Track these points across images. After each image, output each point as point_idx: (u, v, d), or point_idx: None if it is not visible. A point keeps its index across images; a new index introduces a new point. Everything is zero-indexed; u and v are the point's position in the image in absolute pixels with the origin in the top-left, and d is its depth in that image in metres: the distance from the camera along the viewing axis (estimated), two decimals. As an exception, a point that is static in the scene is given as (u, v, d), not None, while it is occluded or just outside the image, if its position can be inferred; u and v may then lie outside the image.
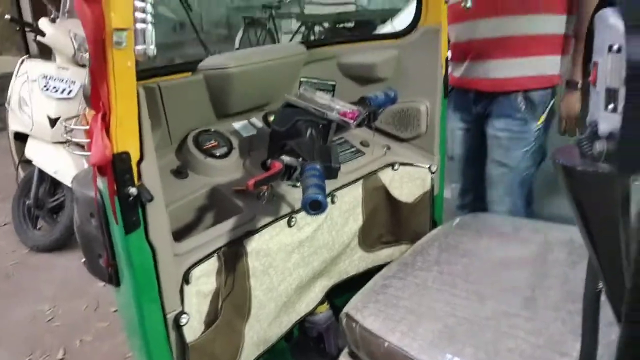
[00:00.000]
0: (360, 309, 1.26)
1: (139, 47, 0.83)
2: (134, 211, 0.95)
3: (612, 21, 0.54)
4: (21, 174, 3.32)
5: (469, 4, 1.57)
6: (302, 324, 1.64)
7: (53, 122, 2.95)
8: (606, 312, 0.65)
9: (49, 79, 2.98)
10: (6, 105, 3.16)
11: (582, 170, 0.58)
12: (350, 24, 7.51)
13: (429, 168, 1.75)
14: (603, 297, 0.66)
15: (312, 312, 1.54)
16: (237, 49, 6.87)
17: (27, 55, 3.16)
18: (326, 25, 7.61)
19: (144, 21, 0.82)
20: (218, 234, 1.23)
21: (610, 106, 0.56)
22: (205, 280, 1.18)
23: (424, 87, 1.70)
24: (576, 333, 0.76)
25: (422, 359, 1.08)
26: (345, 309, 1.29)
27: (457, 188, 2.29)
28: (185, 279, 1.13)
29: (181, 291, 1.12)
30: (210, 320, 1.20)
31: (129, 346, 1.53)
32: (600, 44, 0.57)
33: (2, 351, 2.39)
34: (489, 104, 1.96)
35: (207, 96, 1.43)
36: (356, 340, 1.24)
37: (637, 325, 0.53)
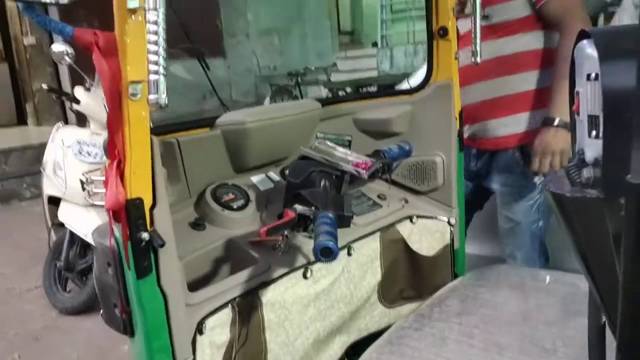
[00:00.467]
0: (376, 361, 1.23)
1: (152, 97, 0.88)
2: (146, 256, 0.97)
3: (588, 51, 0.57)
4: (53, 237, 3.42)
5: (478, 60, 1.61)
6: None
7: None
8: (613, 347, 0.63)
9: (83, 144, 3.12)
10: (42, 170, 3.30)
11: (571, 197, 0.58)
12: (373, 88, 7.72)
13: (448, 221, 1.74)
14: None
15: None
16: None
17: (61, 122, 3.33)
18: (349, 90, 7.83)
19: (156, 72, 0.88)
20: (233, 284, 1.23)
21: (593, 133, 0.57)
22: (220, 331, 1.18)
23: (438, 141, 1.73)
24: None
25: None
26: None
27: None
28: (199, 329, 1.13)
29: (194, 341, 1.12)
30: None
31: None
32: (581, 74, 0.59)
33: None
34: (489, 161, 1.99)
35: (225, 151, 1.48)
36: None
37: (632, 356, 0.51)
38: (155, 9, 0.86)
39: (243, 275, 1.27)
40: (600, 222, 0.55)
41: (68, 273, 3.30)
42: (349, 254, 1.48)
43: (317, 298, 1.39)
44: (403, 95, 1.79)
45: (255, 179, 1.59)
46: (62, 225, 3.28)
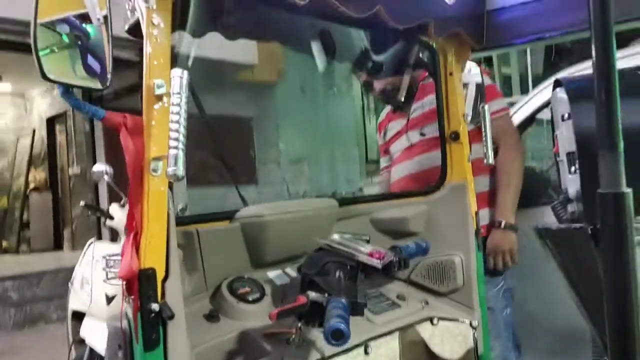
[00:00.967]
0: None
1: (171, 170, 0.95)
2: (154, 328, 0.98)
3: (560, 95, 0.62)
4: (73, 354, 3.36)
5: (490, 161, 1.68)
6: None
7: (110, 299, 3.07)
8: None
9: (111, 258, 3.19)
10: (69, 285, 3.35)
11: (557, 229, 0.60)
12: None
13: (470, 324, 1.69)
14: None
15: None
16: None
17: (94, 238, 3.44)
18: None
19: (176, 148, 0.96)
20: None
21: (572, 169, 0.60)
22: None
23: (456, 241, 1.74)
24: None
25: None
26: None
27: None
28: None
29: None
30: None
31: None
32: (556, 117, 0.63)
33: None
34: None
35: (243, 244, 1.52)
36: None
37: None
38: (179, 92, 0.97)
39: None
40: (588, 252, 0.56)
41: (84, 393, 3.19)
42: (366, 352, 1.43)
43: None
44: (419, 197, 1.84)
45: (272, 274, 1.60)
46: (83, 342, 3.24)
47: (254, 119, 7.76)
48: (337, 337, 1.03)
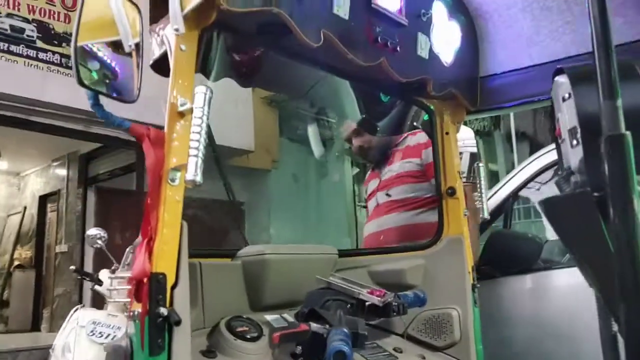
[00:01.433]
0: None
1: (189, 176, 1.00)
2: (161, 333, 0.98)
3: (561, 80, 0.70)
4: None
5: (485, 215, 1.74)
6: None
7: (92, 366, 2.95)
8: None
9: (97, 324, 3.10)
10: (50, 351, 3.22)
11: (563, 196, 0.65)
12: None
13: None
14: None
15: None
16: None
17: (81, 305, 3.36)
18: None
19: (196, 156, 1.01)
20: None
21: (574, 142, 0.66)
22: None
23: (453, 294, 1.75)
24: None
25: None
26: None
27: None
28: None
29: None
30: None
31: None
32: (557, 100, 0.70)
33: None
34: None
35: (243, 284, 1.52)
36: None
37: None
38: (202, 107, 1.04)
39: None
40: (592, 217, 0.61)
41: None
42: None
43: None
44: (416, 251, 1.87)
45: (269, 317, 1.59)
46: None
47: (245, 204, 7.84)
48: (340, 359, 1.03)
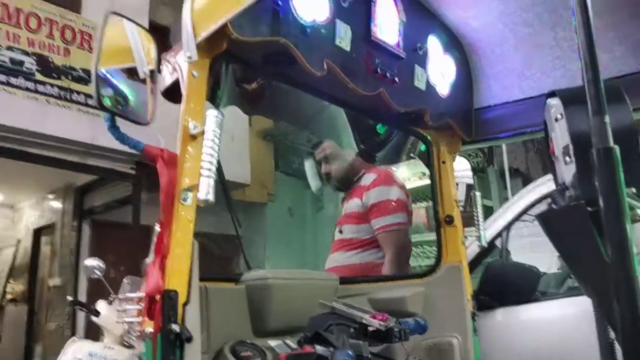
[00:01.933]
0: None
1: (202, 195, 1.04)
2: (172, 350, 1.00)
3: (553, 102, 0.75)
4: None
5: (483, 242, 1.78)
6: None
7: (88, 397, 2.91)
8: None
9: (93, 356, 3.07)
10: (45, 384, 3.18)
11: (558, 209, 0.69)
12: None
13: None
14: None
15: None
16: None
17: (76, 336, 3.33)
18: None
19: (208, 177, 1.05)
20: None
21: (567, 159, 0.71)
22: None
23: (453, 322, 1.77)
24: None
25: None
26: None
27: None
28: None
29: None
30: None
31: None
32: (550, 121, 0.76)
33: None
34: None
35: (246, 309, 1.54)
36: None
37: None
38: (214, 130, 1.09)
39: None
40: (586, 228, 0.65)
41: None
42: None
43: None
44: (415, 279, 1.90)
45: (273, 343, 1.60)
46: None
47: (242, 238, 7.83)
48: None
